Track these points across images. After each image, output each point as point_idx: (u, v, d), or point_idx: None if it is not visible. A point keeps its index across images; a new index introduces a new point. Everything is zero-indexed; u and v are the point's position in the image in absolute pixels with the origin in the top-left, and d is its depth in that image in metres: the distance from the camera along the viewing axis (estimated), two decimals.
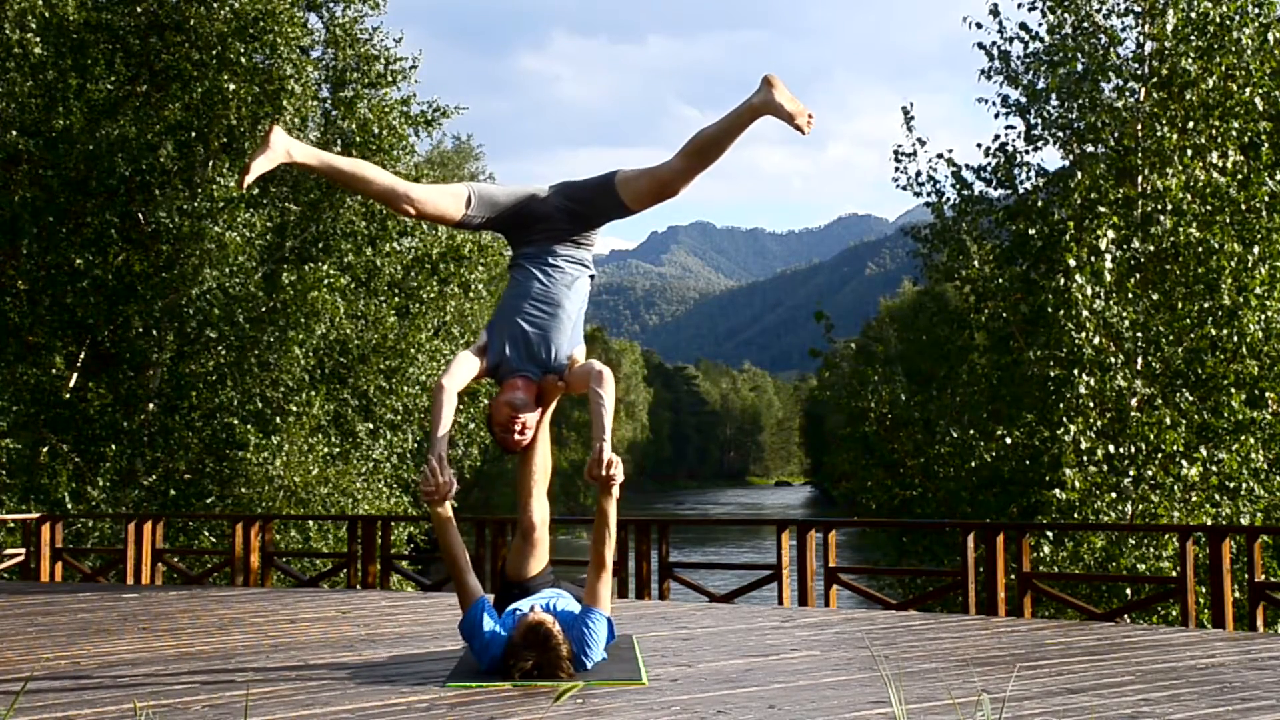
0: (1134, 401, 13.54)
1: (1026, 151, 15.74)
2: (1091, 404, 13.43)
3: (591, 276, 5.13)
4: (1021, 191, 15.76)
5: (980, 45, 15.85)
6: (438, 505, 4.79)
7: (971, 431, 14.33)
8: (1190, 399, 13.54)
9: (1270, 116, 14.64)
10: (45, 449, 17.65)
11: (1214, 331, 13.58)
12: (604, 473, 4.71)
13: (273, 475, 17.14)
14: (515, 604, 4.93)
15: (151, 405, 17.96)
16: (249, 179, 4.72)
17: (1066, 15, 15.20)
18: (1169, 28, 14.48)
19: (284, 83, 17.98)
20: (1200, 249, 13.74)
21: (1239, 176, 14.02)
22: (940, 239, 16.02)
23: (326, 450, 18.00)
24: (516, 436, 4.91)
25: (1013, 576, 9.16)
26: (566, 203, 5.02)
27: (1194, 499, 13.00)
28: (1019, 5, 15.60)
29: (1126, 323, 13.53)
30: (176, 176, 17.88)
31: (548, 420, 5.19)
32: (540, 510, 5.21)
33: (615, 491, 4.79)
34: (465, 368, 4.92)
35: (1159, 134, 14.24)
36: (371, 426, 19.39)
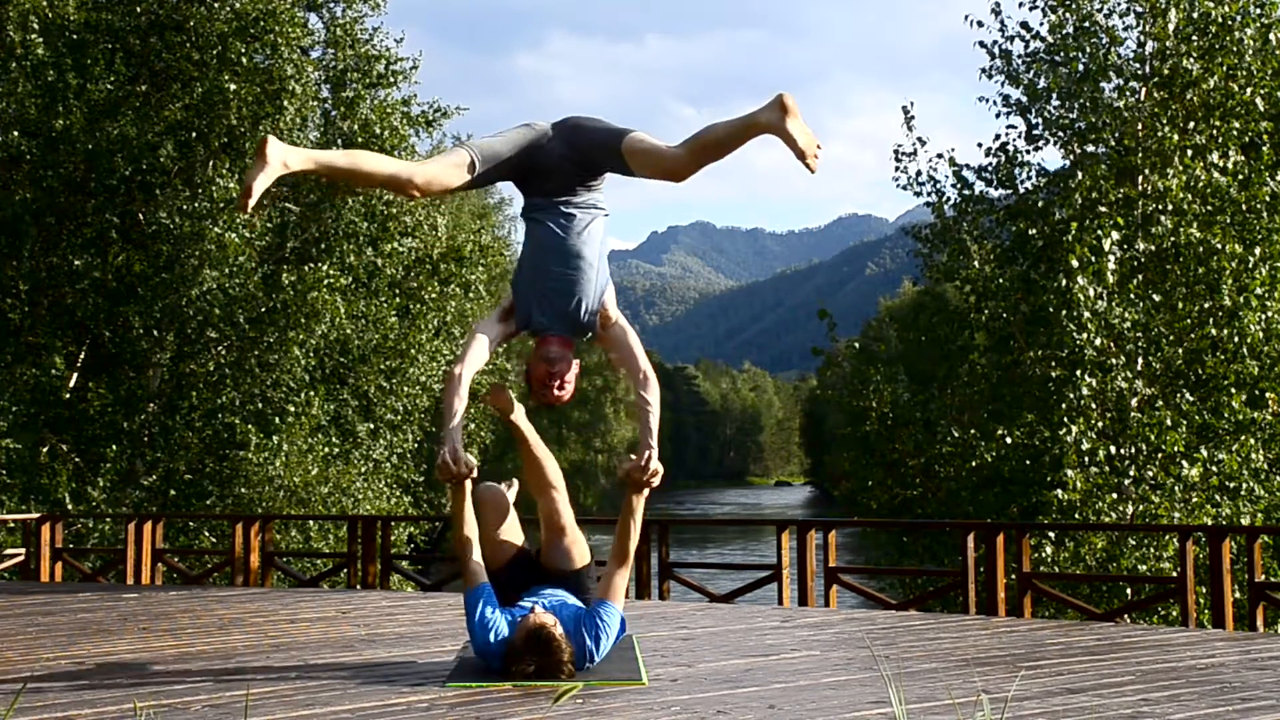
0: (1134, 402, 13.53)
1: (1027, 151, 15.74)
2: (1093, 405, 13.42)
3: (605, 215, 5.06)
4: (1022, 191, 15.75)
5: (981, 44, 15.84)
6: (457, 488, 4.83)
7: (972, 431, 14.32)
8: (1191, 399, 13.54)
9: (1271, 116, 14.63)
10: (45, 449, 17.64)
11: (1214, 332, 13.57)
12: (645, 477, 4.76)
13: (273, 475, 17.13)
14: (519, 603, 4.92)
15: (152, 405, 17.95)
16: (251, 201, 4.53)
17: (1068, 15, 15.20)
18: (1170, 27, 14.48)
19: (284, 83, 17.97)
20: (1201, 249, 13.74)
21: (1240, 177, 14.01)
22: (940, 239, 16.01)
23: (327, 450, 17.99)
24: (556, 391, 4.90)
25: (1013, 576, 9.16)
26: (573, 152, 4.94)
27: (1194, 499, 12.99)
28: (1020, 4, 15.60)
29: (1128, 323, 13.52)
30: (176, 177, 17.87)
31: (533, 436, 5.19)
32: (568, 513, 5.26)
33: (646, 492, 4.85)
34: (480, 348, 4.93)
35: (1160, 134, 14.23)
36: (372, 426, 19.39)
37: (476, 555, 4.88)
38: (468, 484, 4.85)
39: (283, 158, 4.65)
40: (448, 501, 4.90)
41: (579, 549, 5.21)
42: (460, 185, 4.96)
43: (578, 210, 4.95)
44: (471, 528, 4.89)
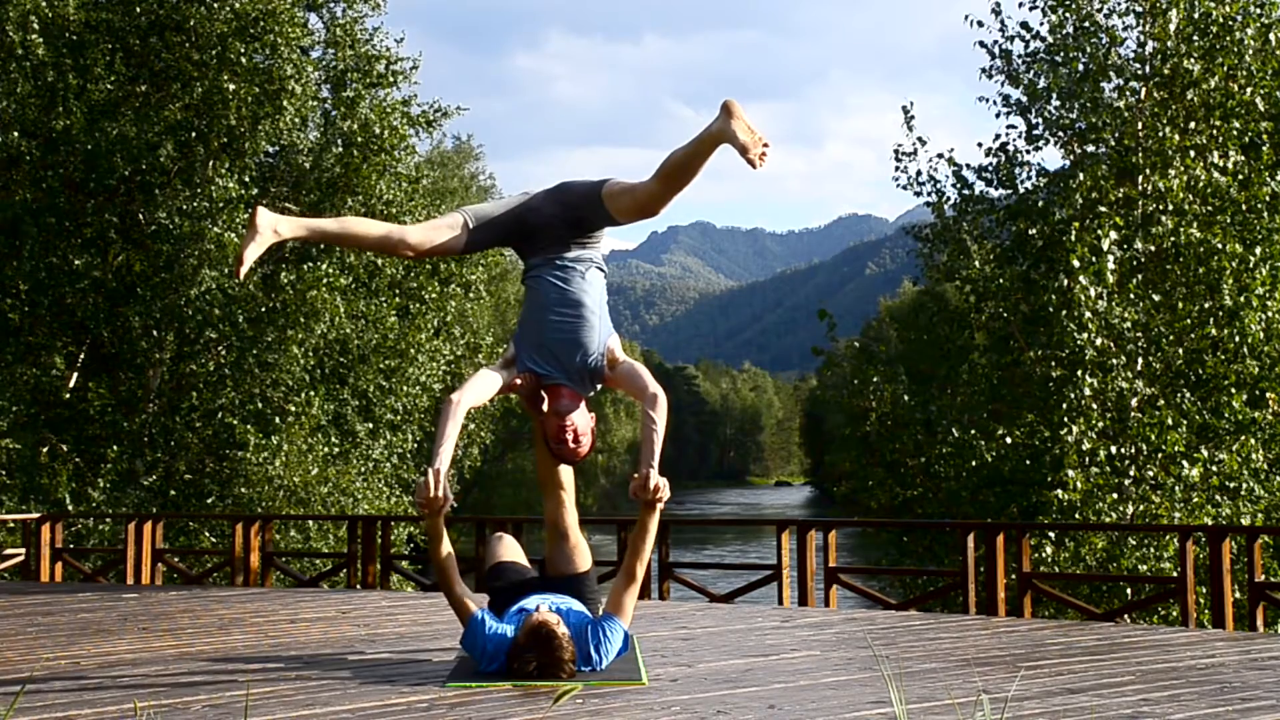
0: (1135, 402, 13.53)
1: (1027, 151, 15.74)
2: (1093, 405, 13.42)
3: (602, 270, 5.13)
4: (1022, 191, 15.75)
5: (981, 44, 15.84)
6: (432, 517, 4.79)
7: (972, 431, 14.32)
8: (1191, 399, 13.54)
9: (1271, 117, 14.63)
10: (45, 449, 17.64)
11: (1215, 332, 13.57)
12: (649, 496, 4.79)
13: (272, 475, 17.13)
14: (520, 602, 4.92)
15: (152, 405, 17.95)
16: (244, 270, 4.74)
17: (1068, 15, 15.20)
18: (1170, 27, 14.48)
19: (284, 83, 17.97)
20: (1201, 249, 13.74)
21: (1240, 177, 14.01)
22: (941, 239, 16.00)
23: (326, 450, 17.99)
24: (571, 444, 4.93)
25: (1013, 576, 9.16)
26: (561, 210, 5.03)
27: (1195, 499, 12.99)
28: (1020, 4, 15.60)
29: (1128, 323, 13.52)
30: (176, 177, 17.87)
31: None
32: (573, 516, 5.29)
33: (659, 508, 4.86)
34: (482, 385, 4.93)
35: (1160, 134, 14.23)
36: (371, 426, 19.39)
37: (461, 587, 4.89)
38: (441, 517, 4.83)
39: (273, 225, 4.79)
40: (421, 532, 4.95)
41: (581, 554, 5.22)
42: (457, 247, 5.05)
43: (574, 263, 5.01)
44: (450, 562, 4.90)
